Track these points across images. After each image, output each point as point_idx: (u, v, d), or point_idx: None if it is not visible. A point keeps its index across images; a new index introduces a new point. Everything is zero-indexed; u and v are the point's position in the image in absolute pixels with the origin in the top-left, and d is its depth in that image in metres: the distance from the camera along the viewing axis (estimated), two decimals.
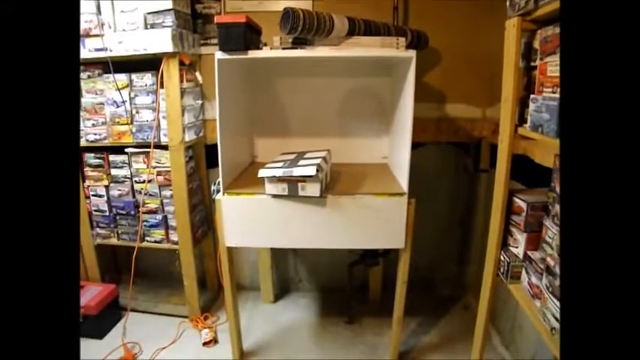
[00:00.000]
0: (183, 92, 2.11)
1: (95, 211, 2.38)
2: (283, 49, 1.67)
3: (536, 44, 1.32)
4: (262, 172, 1.68)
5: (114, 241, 2.44)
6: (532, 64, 1.36)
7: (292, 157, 1.89)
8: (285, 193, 1.70)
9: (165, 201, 2.30)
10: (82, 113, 2.22)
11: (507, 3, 1.35)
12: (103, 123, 2.23)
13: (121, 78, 2.14)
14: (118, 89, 2.14)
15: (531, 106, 1.27)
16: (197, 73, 2.27)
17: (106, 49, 2.03)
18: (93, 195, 2.35)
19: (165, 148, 2.18)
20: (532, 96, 1.27)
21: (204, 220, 2.54)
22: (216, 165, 1.75)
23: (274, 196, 1.72)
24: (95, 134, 2.24)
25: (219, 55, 1.61)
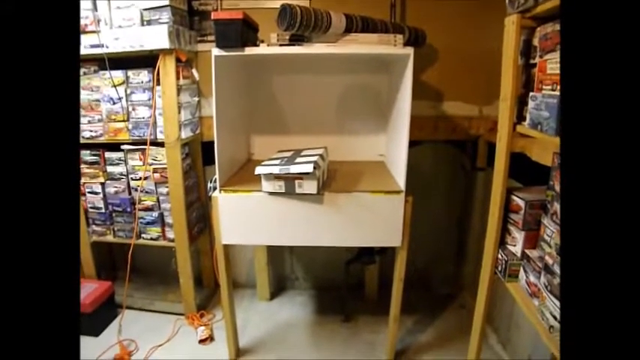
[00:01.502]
0: (179, 89, 2.10)
1: (91, 208, 2.37)
2: (280, 45, 1.66)
3: (536, 41, 1.31)
4: (259, 170, 1.67)
5: (110, 238, 2.43)
6: (531, 61, 1.35)
7: (289, 154, 1.88)
8: (282, 190, 1.69)
9: (161, 198, 2.29)
10: None
11: (506, 0, 1.35)
12: (99, 120, 2.21)
13: (117, 75, 2.12)
14: (114, 86, 2.13)
15: (530, 103, 1.27)
16: (194, 70, 2.25)
17: (102, 46, 2.02)
18: (89, 192, 2.34)
19: (161, 145, 2.17)
20: (531, 94, 1.27)
21: (200, 218, 2.53)
22: (213, 162, 1.74)
23: (271, 193, 1.72)
24: (91, 131, 2.22)
25: (215, 51, 1.60)
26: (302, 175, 1.64)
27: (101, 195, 2.34)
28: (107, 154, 2.29)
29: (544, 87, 1.21)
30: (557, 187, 1.24)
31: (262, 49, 1.66)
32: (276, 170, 1.64)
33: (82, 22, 2.00)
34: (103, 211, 2.36)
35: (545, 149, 1.29)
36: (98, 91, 2.18)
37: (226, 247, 1.86)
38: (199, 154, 2.47)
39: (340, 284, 2.46)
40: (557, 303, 1.14)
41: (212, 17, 1.59)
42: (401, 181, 1.74)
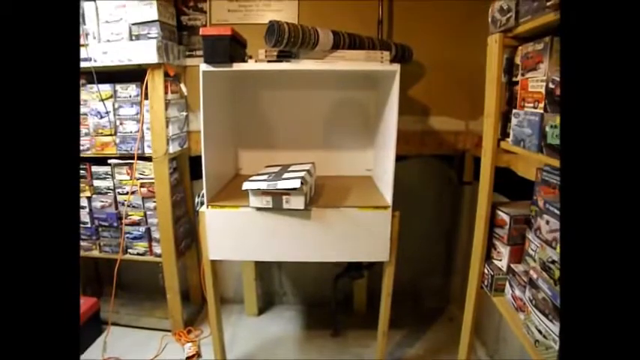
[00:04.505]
0: (167, 104, 2.10)
1: None
2: (268, 62, 1.67)
3: (518, 60, 1.34)
4: (246, 185, 1.67)
5: (95, 253, 2.40)
6: (514, 79, 1.38)
7: (277, 169, 1.89)
8: (270, 205, 1.69)
9: (148, 213, 2.27)
10: None
11: (489, 19, 1.38)
12: (86, 134, 2.20)
13: (105, 88, 2.12)
14: (102, 100, 2.12)
15: (513, 120, 1.29)
16: (182, 85, 2.26)
17: (90, 59, 2.02)
18: None
19: (149, 159, 2.16)
20: (514, 111, 1.29)
21: (188, 233, 2.51)
22: (201, 177, 1.74)
23: (258, 209, 1.71)
24: None
25: (204, 67, 1.60)
26: (289, 191, 1.65)
27: (87, 209, 2.31)
28: (94, 168, 2.27)
29: (526, 104, 1.24)
30: (541, 203, 1.26)
31: (250, 65, 1.68)
32: (263, 186, 1.65)
33: None
34: (89, 225, 2.33)
35: (529, 165, 1.32)
36: (85, 104, 2.17)
37: (214, 262, 1.85)
38: (187, 168, 2.47)
39: (329, 299, 2.45)
40: (542, 317, 1.16)
41: (201, 33, 1.59)
42: (388, 196, 1.75)
